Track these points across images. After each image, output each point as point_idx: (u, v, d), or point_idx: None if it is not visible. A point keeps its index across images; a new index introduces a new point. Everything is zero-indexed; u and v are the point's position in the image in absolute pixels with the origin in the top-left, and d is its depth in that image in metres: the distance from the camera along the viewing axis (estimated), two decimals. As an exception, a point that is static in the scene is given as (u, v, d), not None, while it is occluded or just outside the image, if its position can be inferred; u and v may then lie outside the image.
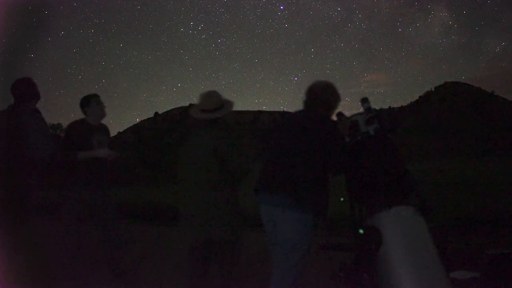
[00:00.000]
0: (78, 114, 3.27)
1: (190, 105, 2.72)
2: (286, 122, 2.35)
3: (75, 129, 3.16)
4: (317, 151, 2.10)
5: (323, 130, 2.14)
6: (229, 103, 2.53)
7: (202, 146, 2.35)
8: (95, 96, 3.25)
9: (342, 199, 2.23)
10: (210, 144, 2.32)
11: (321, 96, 2.31)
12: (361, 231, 1.94)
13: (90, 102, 3.20)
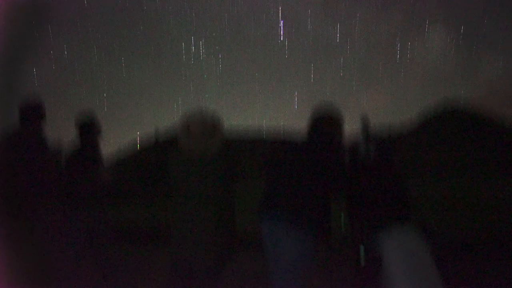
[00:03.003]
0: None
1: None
2: (289, 150, 2.36)
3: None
4: (319, 173, 2.13)
5: (326, 156, 2.17)
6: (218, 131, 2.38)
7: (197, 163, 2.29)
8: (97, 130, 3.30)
9: (342, 214, 2.24)
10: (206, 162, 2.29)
11: (325, 129, 2.34)
12: (361, 248, 1.94)
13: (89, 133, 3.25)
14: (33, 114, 2.95)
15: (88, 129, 3.22)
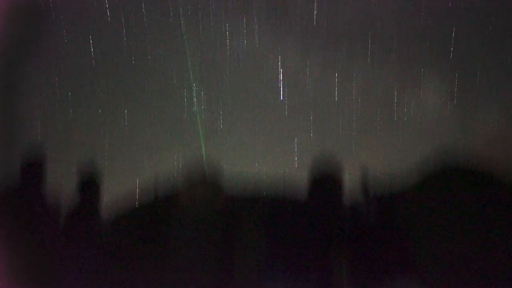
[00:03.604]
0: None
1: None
2: (289, 208, 2.38)
3: None
4: (319, 231, 2.12)
5: (327, 214, 2.18)
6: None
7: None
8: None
9: (343, 272, 2.19)
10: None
11: (325, 188, 2.37)
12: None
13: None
14: (34, 167, 2.96)
15: (89, 184, 3.21)
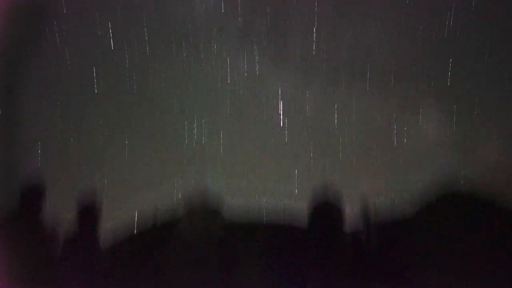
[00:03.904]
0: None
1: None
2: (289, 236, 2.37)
3: None
4: (320, 260, 2.11)
5: (327, 243, 2.18)
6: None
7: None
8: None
9: None
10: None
11: (325, 216, 2.37)
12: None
13: None
14: (33, 196, 2.97)
15: (89, 214, 3.19)
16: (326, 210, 2.34)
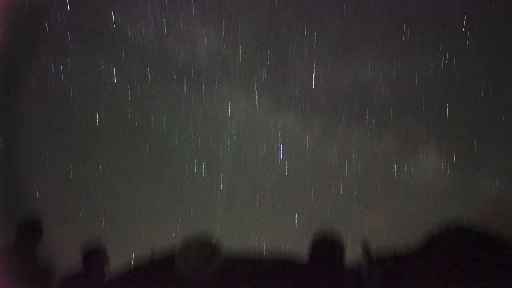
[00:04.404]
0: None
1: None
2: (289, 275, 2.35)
3: None
4: None
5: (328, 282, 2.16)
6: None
7: None
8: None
9: None
10: None
11: (328, 255, 2.34)
12: None
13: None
14: (31, 233, 2.95)
15: (95, 259, 3.09)
16: (326, 247, 2.30)
